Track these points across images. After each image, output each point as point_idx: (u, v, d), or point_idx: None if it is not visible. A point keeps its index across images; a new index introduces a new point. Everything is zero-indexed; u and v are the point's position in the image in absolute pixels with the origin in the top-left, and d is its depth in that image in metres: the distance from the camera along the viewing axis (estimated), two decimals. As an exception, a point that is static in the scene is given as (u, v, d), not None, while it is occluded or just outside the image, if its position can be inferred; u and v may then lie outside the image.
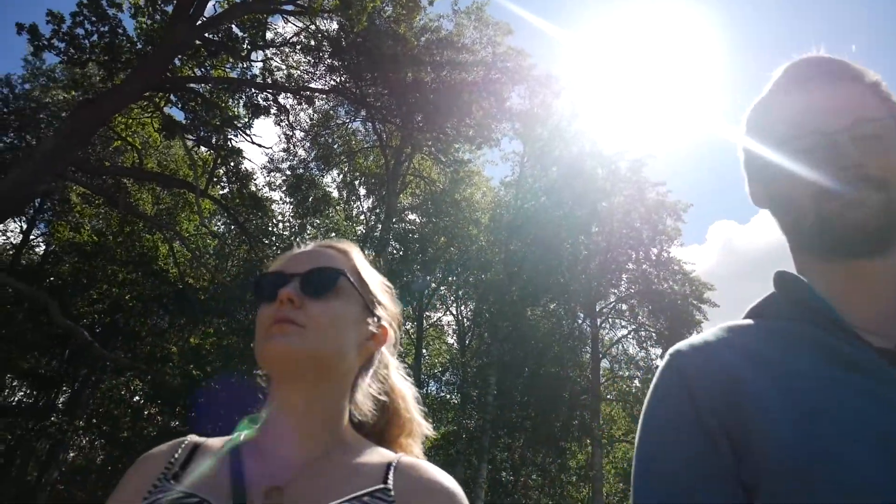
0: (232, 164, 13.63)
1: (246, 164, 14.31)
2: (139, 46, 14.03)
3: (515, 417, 15.09)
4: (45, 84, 22.69)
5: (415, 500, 0.83)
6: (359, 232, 23.13)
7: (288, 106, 16.54)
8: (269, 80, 15.97)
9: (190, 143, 13.94)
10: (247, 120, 14.92)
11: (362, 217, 21.78)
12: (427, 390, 22.81)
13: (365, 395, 1.01)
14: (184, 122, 13.36)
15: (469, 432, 15.21)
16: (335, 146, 18.18)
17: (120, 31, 13.63)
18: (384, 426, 1.02)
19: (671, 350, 0.86)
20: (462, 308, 22.84)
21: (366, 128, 18.23)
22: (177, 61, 14.13)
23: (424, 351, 22.73)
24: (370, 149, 18.81)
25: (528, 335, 15.72)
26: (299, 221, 24.25)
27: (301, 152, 17.42)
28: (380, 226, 21.17)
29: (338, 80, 15.99)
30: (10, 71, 48.37)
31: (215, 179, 13.73)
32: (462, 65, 15.50)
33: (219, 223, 24.33)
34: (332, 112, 17.91)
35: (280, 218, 24.00)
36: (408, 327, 24.35)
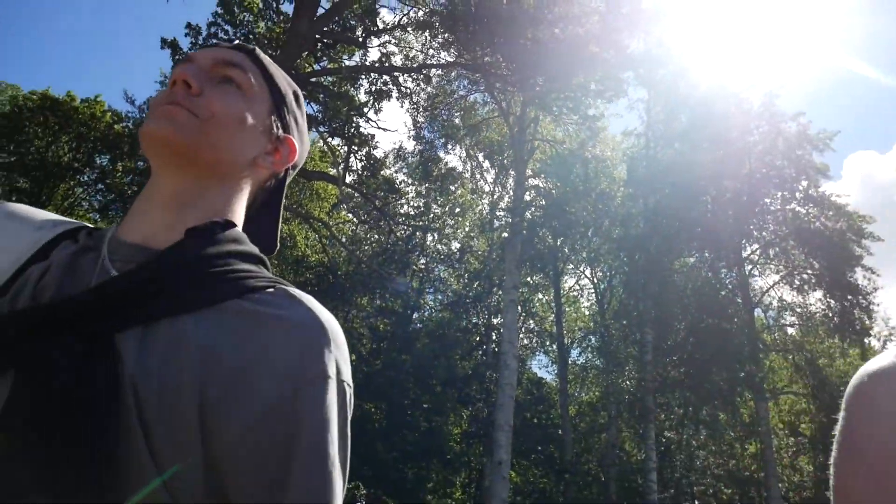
0: (364, 150, 13.95)
1: (372, 149, 14.61)
2: (269, 52, 14.62)
3: (676, 375, 14.62)
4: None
5: None
6: (485, 205, 23.18)
7: (407, 88, 16.72)
8: (386, 64, 16.20)
9: (323, 135, 14.42)
10: (371, 105, 15.23)
11: (487, 188, 21.77)
12: (572, 358, 22.66)
13: None
14: (316, 115, 13.79)
15: (627, 394, 14.91)
16: (456, 120, 18.21)
17: (252, 36, 14.25)
18: None
19: None
20: (595, 270, 22.39)
21: (484, 98, 18.13)
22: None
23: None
24: (491, 119, 18.70)
25: (678, 289, 15.15)
26: (423, 200, 24.61)
27: (425, 133, 17.60)
28: (506, 195, 21.09)
29: (454, 53, 15.94)
30: (150, 93, 52.55)
31: (350, 167, 14.10)
32: (576, 18, 14.99)
33: (347, 208, 25.10)
34: (449, 88, 17.93)
35: (406, 199, 24.48)
36: (541, 296, 24.23)
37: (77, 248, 0.79)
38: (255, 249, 0.86)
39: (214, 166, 0.85)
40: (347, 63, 16.04)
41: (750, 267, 18.80)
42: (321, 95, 14.16)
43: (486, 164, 20.18)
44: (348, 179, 15.61)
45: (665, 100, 17.48)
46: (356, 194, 16.18)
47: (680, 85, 18.03)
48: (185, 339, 0.70)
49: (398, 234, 15.26)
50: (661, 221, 15.52)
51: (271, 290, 0.79)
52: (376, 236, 25.85)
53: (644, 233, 15.62)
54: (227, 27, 14.71)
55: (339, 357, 0.76)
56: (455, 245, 25.75)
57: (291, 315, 0.76)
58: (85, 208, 23.78)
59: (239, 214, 0.90)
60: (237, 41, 1.03)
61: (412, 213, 24.66)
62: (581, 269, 22.58)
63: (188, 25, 14.20)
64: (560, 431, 21.09)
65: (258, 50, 0.94)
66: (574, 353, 23.16)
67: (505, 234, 21.27)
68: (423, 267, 25.78)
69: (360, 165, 14.83)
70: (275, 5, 14.55)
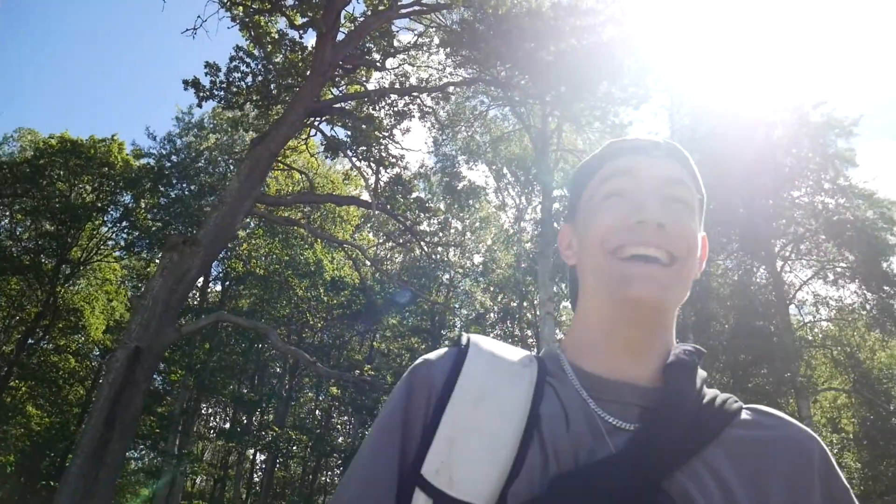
0: (394, 172, 14.00)
1: (402, 170, 14.66)
2: (290, 81, 14.72)
3: (721, 379, 14.47)
4: (197, 135, 24.41)
5: None
6: (509, 218, 23.16)
7: (427, 106, 16.77)
8: (407, 85, 16.27)
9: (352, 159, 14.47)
10: (393, 126, 15.27)
11: (511, 202, 21.76)
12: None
13: None
14: (345, 140, 13.88)
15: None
16: (477, 136, 18.25)
17: (271, 67, 14.35)
18: None
19: None
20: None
21: (504, 113, 18.17)
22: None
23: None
24: (513, 133, 18.73)
25: (715, 292, 15.02)
26: (443, 216, 24.61)
27: (445, 149, 17.61)
28: (530, 208, 21.07)
29: (473, 70, 15.99)
30: (164, 129, 53.24)
31: (380, 190, 14.12)
32: (591, 28, 15.03)
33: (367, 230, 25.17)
34: (468, 105, 17.99)
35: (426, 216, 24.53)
36: (566, 303, 24.13)
37: (571, 387, 0.82)
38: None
39: (682, 301, 0.86)
40: (363, 86, 16.12)
41: (781, 264, 18.64)
42: (347, 121, 14.22)
43: (510, 178, 20.20)
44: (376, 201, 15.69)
45: (688, 104, 17.45)
46: (383, 215, 16.22)
47: (703, 87, 17.99)
48: (720, 479, 0.74)
49: (426, 250, 15.28)
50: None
51: (747, 411, 0.84)
52: (398, 256, 25.90)
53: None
54: (248, 60, 14.83)
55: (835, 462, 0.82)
56: (477, 259, 25.76)
57: (789, 436, 0.81)
58: (110, 247, 23.94)
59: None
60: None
61: (431, 229, 24.72)
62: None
63: (207, 64, 14.32)
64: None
65: (678, 145, 0.92)
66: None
67: (528, 245, 21.24)
68: (447, 282, 25.81)
69: (386, 186, 14.87)
70: (296, 35, 14.62)
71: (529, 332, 21.71)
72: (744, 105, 18.12)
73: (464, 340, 0.86)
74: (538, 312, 17.69)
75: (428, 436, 0.76)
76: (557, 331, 24.96)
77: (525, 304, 22.42)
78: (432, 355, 0.86)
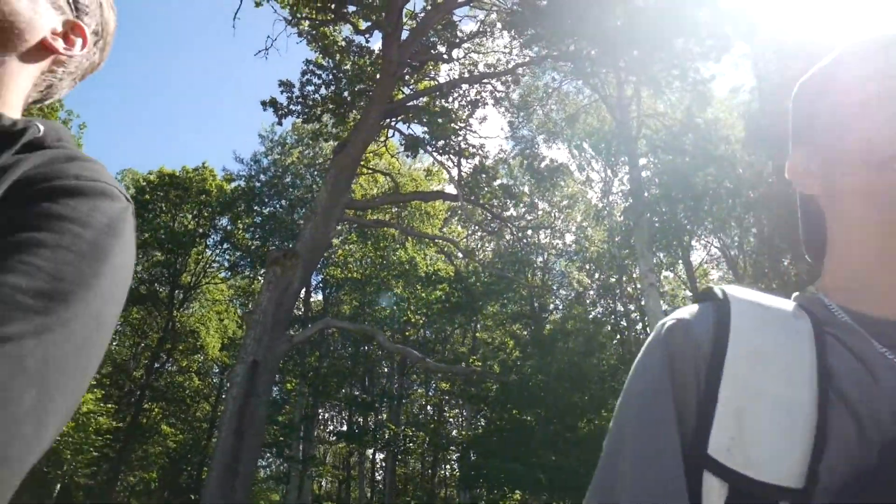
0: (476, 160, 14.02)
1: (483, 159, 14.64)
2: (361, 86, 14.99)
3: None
4: (281, 152, 25.30)
5: None
6: (595, 192, 22.70)
7: (499, 91, 16.66)
8: (475, 73, 16.23)
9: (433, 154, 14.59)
10: (468, 116, 15.27)
11: (596, 177, 21.32)
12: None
13: None
14: (423, 136, 14.03)
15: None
16: (553, 114, 17.98)
17: (341, 75, 14.67)
18: None
19: None
20: (725, 238, 21.35)
21: (578, 87, 17.80)
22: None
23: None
24: (589, 106, 18.32)
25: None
26: (528, 199, 24.38)
27: (524, 132, 17.46)
28: (616, 181, 20.56)
29: (540, 47, 15.75)
30: (252, 148, 55.71)
31: (462, 182, 14.16)
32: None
33: (455, 223, 25.28)
34: (541, 83, 17.74)
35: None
36: (666, 273, 23.38)
37: (857, 335, 0.68)
38: None
39: None
40: (434, 80, 16.17)
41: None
42: (423, 117, 14.35)
43: (591, 152, 19.79)
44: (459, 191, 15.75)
45: (773, 47, 16.47)
46: (469, 205, 16.28)
47: (787, 27, 16.94)
48: None
49: (516, 235, 15.24)
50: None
51: None
52: (489, 244, 25.90)
53: (780, 190, 14.72)
54: (319, 71, 15.20)
55: None
56: (569, 238, 25.39)
57: None
58: (216, 268, 25.21)
59: None
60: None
61: (518, 213, 24.54)
62: (707, 238, 21.62)
63: (281, 82, 14.80)
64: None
65: None
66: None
67: (619, 218, 20.72)
68: (542, 265, 25.59)
69: (469, 176, 14.90)
70: (362, 40, 14.87)
71: (632, 307, 21.24)
72: (834, 38, 16.94)
73: (718, 293, 0.74)
74: (639, 285, 17.26)
75: (706, 408, 0.65)
76: (661, 302, 24.35)
77: (624, 278, 21.93)
78: (685, 313, 0.74)
